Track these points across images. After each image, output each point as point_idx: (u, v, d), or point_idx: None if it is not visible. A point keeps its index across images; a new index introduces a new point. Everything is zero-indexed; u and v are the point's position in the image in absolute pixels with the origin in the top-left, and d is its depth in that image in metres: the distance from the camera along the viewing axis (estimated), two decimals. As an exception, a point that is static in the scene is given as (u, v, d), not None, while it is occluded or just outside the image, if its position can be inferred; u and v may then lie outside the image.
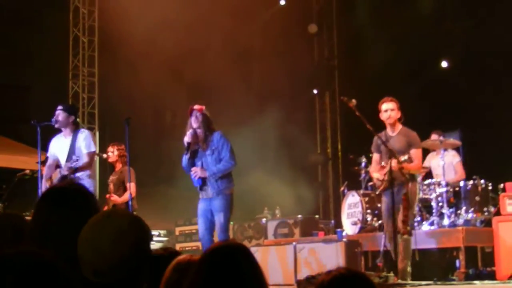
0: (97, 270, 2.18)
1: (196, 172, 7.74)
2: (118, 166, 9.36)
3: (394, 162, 7.39)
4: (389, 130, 7.82)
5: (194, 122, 7.76)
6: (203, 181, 7.76)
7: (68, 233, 2.36)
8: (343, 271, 2.23)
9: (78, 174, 7.68)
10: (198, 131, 7.75)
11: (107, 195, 9.06)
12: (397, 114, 7.74)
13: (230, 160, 7.72)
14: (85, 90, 14.76)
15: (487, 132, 11.37)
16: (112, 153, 9.39)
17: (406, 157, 7.40)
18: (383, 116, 7.77)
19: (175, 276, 2.79)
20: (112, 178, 9.35)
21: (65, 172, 7.63)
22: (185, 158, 7.84)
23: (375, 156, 7.96)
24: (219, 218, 7.67)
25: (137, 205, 9.27)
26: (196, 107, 7.79)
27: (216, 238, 7.79)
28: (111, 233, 2.21)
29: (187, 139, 7.76)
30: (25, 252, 1.55)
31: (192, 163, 7.84)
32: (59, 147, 7.94)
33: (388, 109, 7.72)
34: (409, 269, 7.50)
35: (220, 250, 2.52)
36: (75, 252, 2.23)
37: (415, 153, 7.67)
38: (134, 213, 8.87)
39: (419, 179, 8.37)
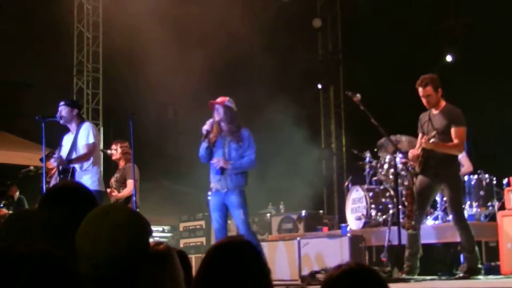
0: (95, 264, 2.19)
1: (219, 162, 7.65)
2: (122, 163, 9.38)
3: (423, 139, 7.21)
4: (432, 109, 7.44)
5: (216, 115, 7.72)
6: (222, 172, 7.67)
7: (67, 231, 2.38)
8: (352, 265, 2.23)
9: (75, 165, 7.65)
10: (222, 124, 7.74)
11: (108, 190, 9.07)
12: (435, 97, 7.32)
13: (254, 161, 7.68)
14: (90, 86, 14.79)
15: (491, 126, 11.35)
16: (116, 150, 9.39)
17: (433, 134, 7.13)
18: (422, 99, 7.42)
19: None
20: (116, 176, 9.38)
21: (54, 164, 7.59)
22: (203, 147, 7.77)
23: (419, 136, 7.59)
24: (239, 215, 7.59)
25: (139, 201, 9.30)
26: (218, 100, 7.78)
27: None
28: (110, 227, 2.22)
29: (206, 127, 7.72)
30: (39, 252, 1.55)
31: (210, 153, 7.81)
32: (66, 143, 7.93)
33: (424, 96, 7.34)
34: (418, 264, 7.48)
35: (223, 246, 2.51)
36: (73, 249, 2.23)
37: (455, 132, 7.24)
38: (137, 210, 8.92)
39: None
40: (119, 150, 9.36)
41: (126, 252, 2.21)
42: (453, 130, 7.26)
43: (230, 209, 7.66)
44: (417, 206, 7.34)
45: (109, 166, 10.34)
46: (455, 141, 7.24)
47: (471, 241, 7.25)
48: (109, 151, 9.42)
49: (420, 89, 7.34)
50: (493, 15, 11.59)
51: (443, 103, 7.43)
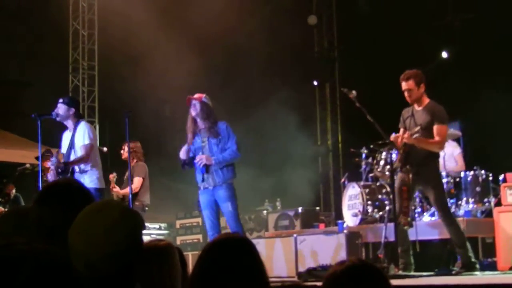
0: (88, 263, 2.16)
1: (202, 159, 7.66)
2: (131, 162, 9.54)
3: (406, 134, 7.20)
4: (415, 105, 7.47)
5: (192, 111, 7.76)
6: (206, 169, 7.70)
7: (61, 229, 2.37)
8: (355, 262, 2.24)
9: (78, 166, 7.67)
10: (198, 120, 7.76)
11: (110, 186, 9.22)
12: (416, 92, 7.34)
13: (237, 152, 7.70)
14: (85, 83, 14.78)
15: (487, 122, 11.35)
16: (123, 150, 9.61)
17: (417, 130, 7.12)
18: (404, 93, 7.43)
19: None
20: (127, 174, 9.59)
21: (52, 167, 7.60)
22: (184, 168, 7.87)
23: (400, 131, 7.57)
24: (227, 208, 7.61)
25: (143, 198, 9.39)
26: (195, 96, 7.80)
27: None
28: (104, 224, 2.20)
29: (182, 156, 7.79)
30: (38, 250, 1.54)
31: (193, 159, 7.81)
32: (65, 142, 7.93)
33: (405, 90, 7.36)
34: (412, 260, 7.49)
35: (220, 243, 2.52)
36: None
37: (437, 129, 7.27)
38: (146, 208, 9.05)
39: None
40: (126, 149, 9.54)
41: (122, 249, 2.20)
42: (435, 128, 7.30)
43: (219, 203, 7.67)
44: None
45: (105, 163, 10.40)
46: (437, 138, 7.29)
47: (461, 235, 7.28)
48: (104, 148, 9.54)
49: (403, 83, 7.40)
50: (493, 11, 11.57)
51: (426, 100, 7.47)
